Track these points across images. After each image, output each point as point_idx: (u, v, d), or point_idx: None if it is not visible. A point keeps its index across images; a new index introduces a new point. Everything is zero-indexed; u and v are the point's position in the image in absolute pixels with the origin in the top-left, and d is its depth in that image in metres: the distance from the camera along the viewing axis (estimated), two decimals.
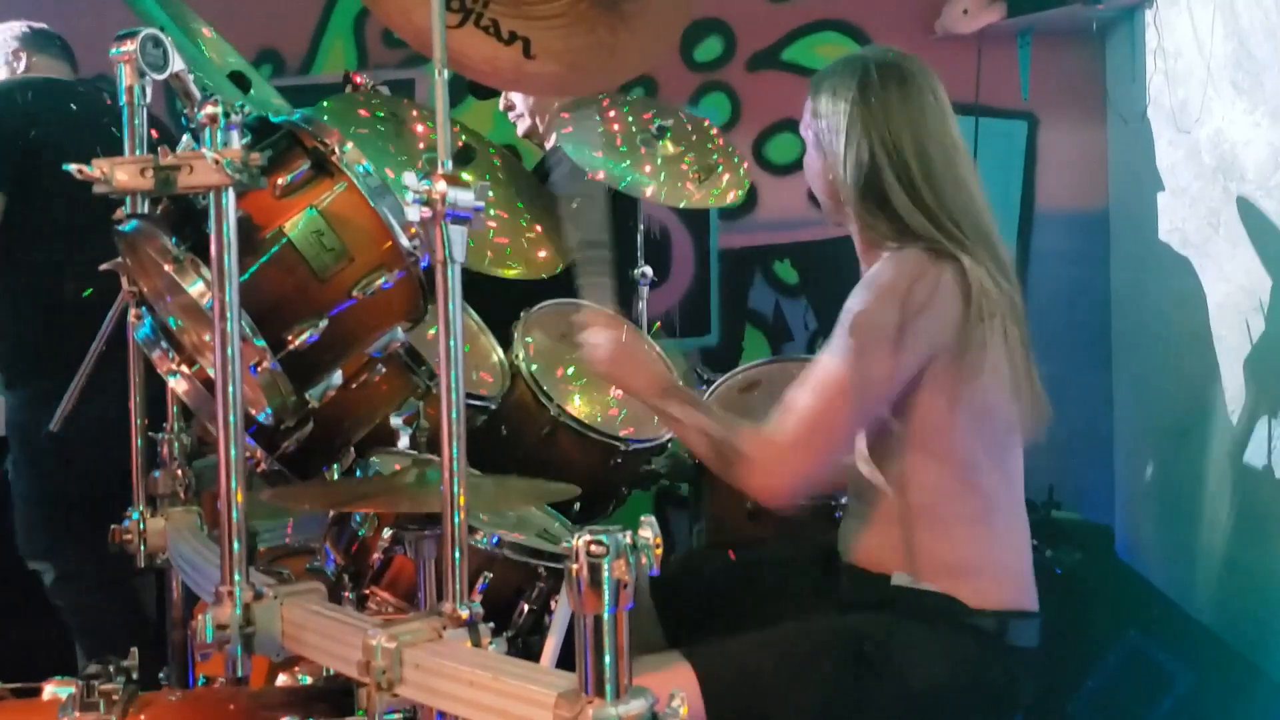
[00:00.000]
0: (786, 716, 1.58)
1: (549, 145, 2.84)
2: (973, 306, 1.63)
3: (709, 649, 1.62)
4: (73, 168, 1.22)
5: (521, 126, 2.91)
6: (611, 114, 2.62)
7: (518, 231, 2.30)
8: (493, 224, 2.20)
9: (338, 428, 1.51)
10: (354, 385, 1.45)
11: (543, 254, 2.29)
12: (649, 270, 2.68)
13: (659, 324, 2.57)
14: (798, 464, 1.62)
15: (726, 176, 2.60)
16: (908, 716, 1.61)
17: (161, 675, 1.74)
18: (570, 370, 2.23)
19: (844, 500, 2.01)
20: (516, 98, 2.89)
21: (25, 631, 2.58)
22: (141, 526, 1.61)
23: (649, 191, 2.51)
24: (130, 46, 1.44)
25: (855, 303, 1.64)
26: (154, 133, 1.54)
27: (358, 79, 2.29)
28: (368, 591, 1.67)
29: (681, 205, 2.89)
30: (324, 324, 1.33)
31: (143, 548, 1.61)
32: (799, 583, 1.83)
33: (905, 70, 1.71)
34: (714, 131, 2.72)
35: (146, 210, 1.45)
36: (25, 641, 2.49)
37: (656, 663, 1.61)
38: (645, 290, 2.67)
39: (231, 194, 1.18)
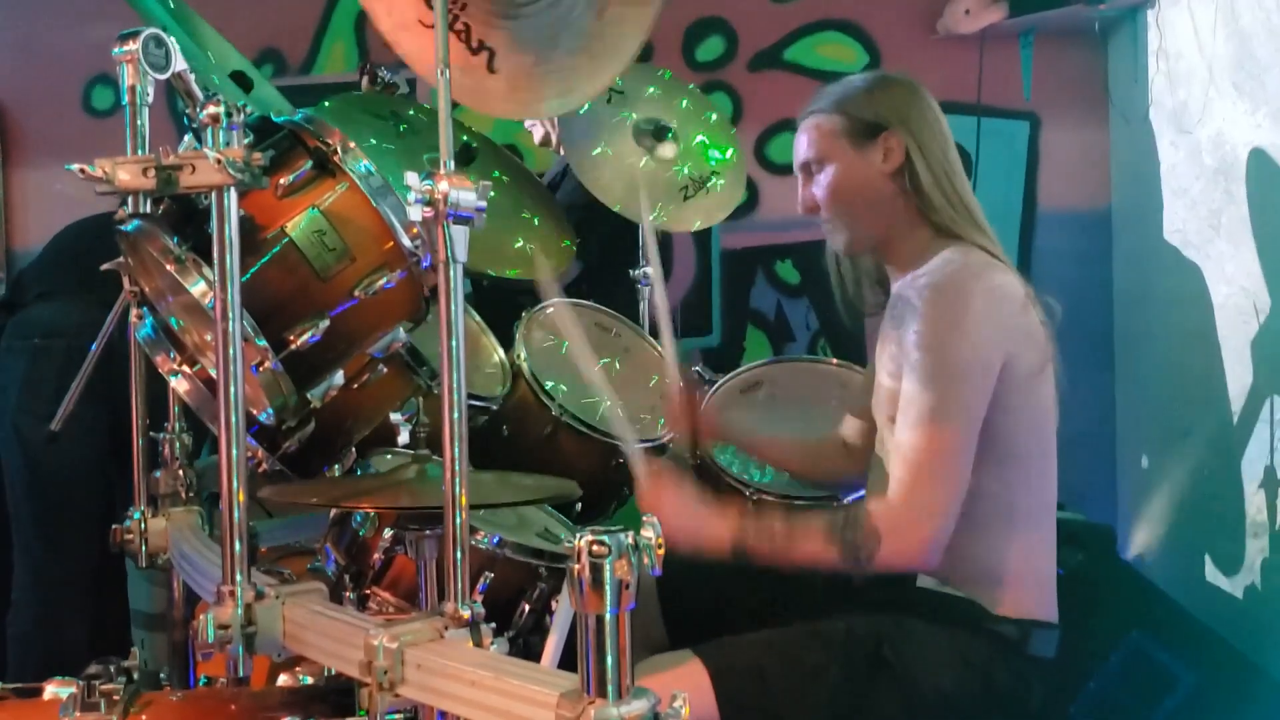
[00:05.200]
0: (799, 716, 1.57)
1: (563, 152, 2.84)
2: (1032, 304, 1.66)
3: (721, 647, 1.61)
4: (75, 167, 1.22)
5: (538, 134, 2.90)
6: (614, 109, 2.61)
7: (520, 232, 2.30)
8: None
9: (339, 428, 1.51)
10: (355, 385, 1.45)
11: (546, 255, 2.29)
12: (650, 270, 2.68)
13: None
14: (929, 523, 1.57)
15: (722, 184, 2.59)
16: (919, 719, 1.60)
17: (163, 675, 1.74)
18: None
19: (846, 501, 2.01)
20: None
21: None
22: (143, 526, 1.61)
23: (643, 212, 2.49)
24: (132, 46, 1.44)
25: (941, 340, 1.60)
26: None
27: (374, 71, 2.29)
28: (369, 592, 1.67)
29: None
30: (326, 324, 1.33)
31: (144, 548, 1.61)
32: (807, 583, 1.82)
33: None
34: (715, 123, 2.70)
35: (148, 210, 1.45)
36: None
37: (668, 660, 1.61)
38: (646, 290, 2.67)
39: (233, 194, 1.18)
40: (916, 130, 1.73)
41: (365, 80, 2.35)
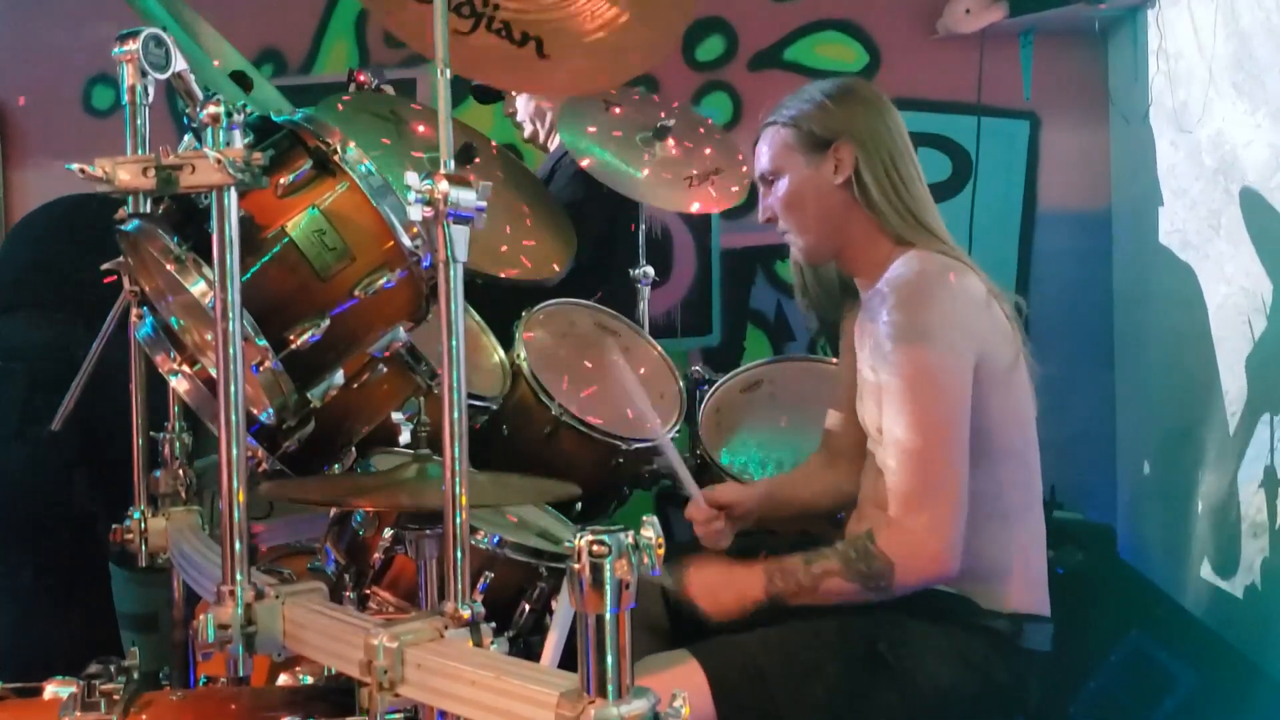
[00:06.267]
0: (797, 714, 1.58)
1: (551, 148, 2.84)
2: (995, 300, 1.67)
3: (717, 646, 1.62)
4: (75, 167, 1.22)
5: (525, 131, 2.92)
6: (616, 111, 2.62)
7: (519, 232, 2.30)
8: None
9: (339, 427, 1.51)
10: (355, 385, 1.45)
11: (545, 255, 2.29)
12: (650, 270, 2.68)
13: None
14: (939, 533, 1.57)
15: (727, 179, 2.60)
16: (917, 716, 1.61)
17: (163, 675, 1.74)
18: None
19: None
20: (519, 104, 2.90)
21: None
22: (143, 526, 1.61)
23: (645, 195, 2.51)
24: (132, 46, 1.44)
25: (910, 339, 1.61)
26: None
27: (361, 76, 2.29)
28: (369, 591, 1.67)
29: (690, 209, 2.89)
30: (326, 324, 1.33)
31: (144, 547, 1.61)
32: None
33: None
34: (717, 136, 2.72)
35: (148, 210, 1.45)
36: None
37: (665, 661, 1.61)
38: (646, 290, 2.67)
39: (234, 193, 1.17)
40: (866, 141, 1.74)
41: (351, 87, 2.35)
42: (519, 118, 2.92)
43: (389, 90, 2.35)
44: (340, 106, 2.11)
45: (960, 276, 1.67)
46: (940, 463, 1.59)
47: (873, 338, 1.70)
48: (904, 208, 1.74)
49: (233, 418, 1.17)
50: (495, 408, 2.03)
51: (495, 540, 1.64)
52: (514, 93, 2.92)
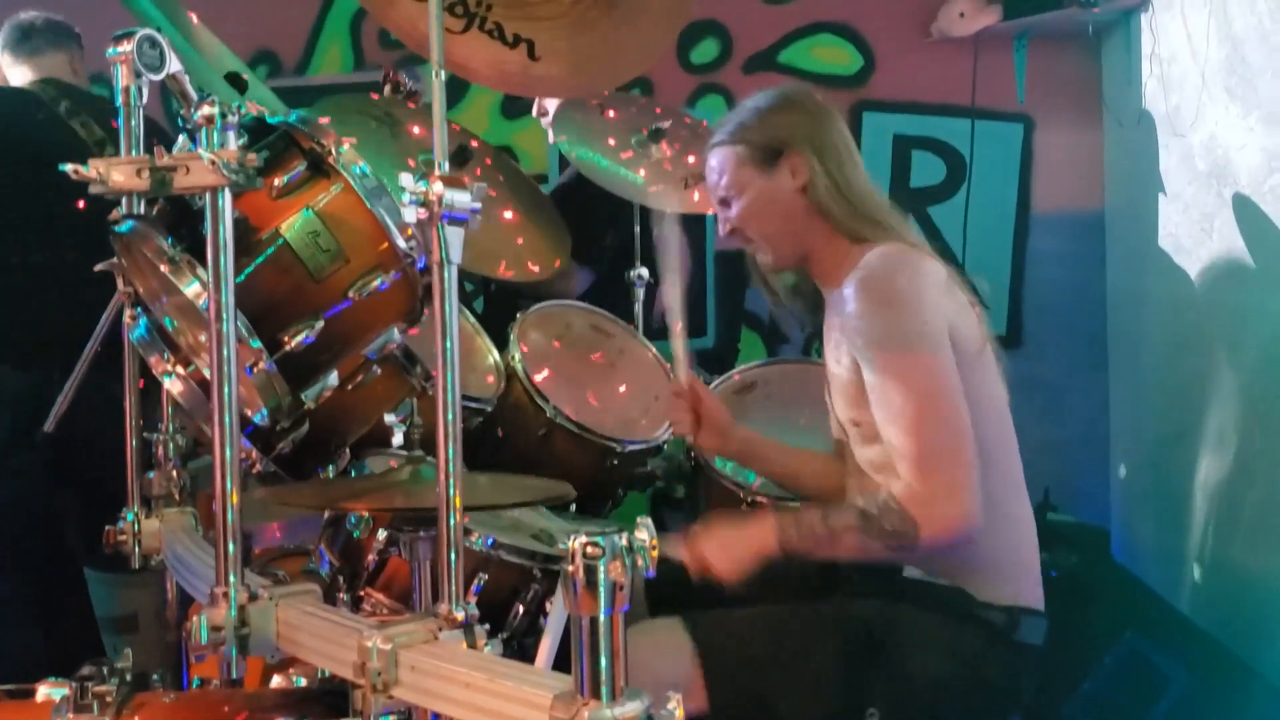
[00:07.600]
0: (785, 695, 1.58)
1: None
2: (956, 285, 1.69)
3: (710, 620, 1.62)
4: (69, 168, 1.21)
5: (553, 133, 2.90)
6: (610, 114, 2.62)
7: (515, 232, 2.30)
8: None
9: (333, 429, 1.51)
10: (350, 386, 1.45)
11: (541, 254, 2.30)
12: (645, 272, 2.68)
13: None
14: (955, 495, 1.57)
15: None
16: (909, 705, 1.61)
17: (155, 677, 1.73)
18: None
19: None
20: (550, 103, 2.88)
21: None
22: (136, 528, 1.60)
23: (649, 193, 2.51)
24: (127, 47, 1.44)
25: (880, 319, 1.62)
26: None
27: (398, 77, 2.28)
28: (362, 593, 1.67)
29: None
30: (320, 325, 1.33)
31: (137, 549, 1.61)
32: (799, 575, 1.82)
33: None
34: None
35: (142, 211, 1.45)
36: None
37: (653, 628, 1.60)
38: (641, 292, 2.67)
39: (228, 195, 1.17)
40: (816, 146, 1.76)
41: (388, 89, 2.33)
42: (549, 120, 2.89)
43: (426, 95, 2.34)
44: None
45: (917, 260, 1.69)
46: (942, 425, 1.59)
47: (838, 329, 1.71)
48: (861, 205, 1.75)
49: (227, 419, 1.17)
50: (490, 409, 2.03)
51: (489, 542, 1.64)
52: None
